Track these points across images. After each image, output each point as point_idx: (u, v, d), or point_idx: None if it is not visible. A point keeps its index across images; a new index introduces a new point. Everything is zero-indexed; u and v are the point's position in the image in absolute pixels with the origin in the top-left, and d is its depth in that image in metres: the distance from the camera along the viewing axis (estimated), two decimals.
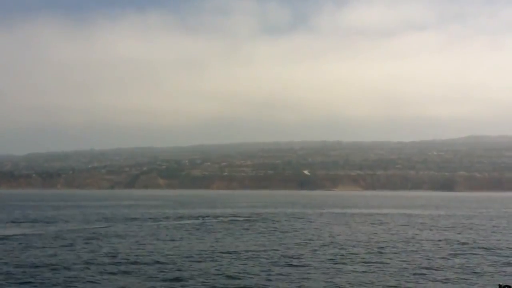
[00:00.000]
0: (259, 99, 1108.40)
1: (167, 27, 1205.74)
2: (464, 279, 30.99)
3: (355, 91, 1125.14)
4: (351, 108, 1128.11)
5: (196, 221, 74.42)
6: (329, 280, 30.07)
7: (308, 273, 32.07)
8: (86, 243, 47.31)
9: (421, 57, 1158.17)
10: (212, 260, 37.39)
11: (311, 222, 74.95)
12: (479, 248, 44.98)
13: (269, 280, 30.36)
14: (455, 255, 40.45)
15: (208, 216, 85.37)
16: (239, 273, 32.43)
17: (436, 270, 33.53)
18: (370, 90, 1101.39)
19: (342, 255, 40.04)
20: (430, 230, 62.42)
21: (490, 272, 33.27)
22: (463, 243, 48.06)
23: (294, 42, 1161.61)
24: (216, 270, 33.43)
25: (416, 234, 56.60)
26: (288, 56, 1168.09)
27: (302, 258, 38.02)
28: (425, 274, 32.29)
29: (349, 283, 29.10)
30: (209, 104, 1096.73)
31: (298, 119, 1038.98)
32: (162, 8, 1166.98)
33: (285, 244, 46.84)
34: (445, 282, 29.88)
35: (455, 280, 30.62)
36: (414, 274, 32.15)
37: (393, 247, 44.94)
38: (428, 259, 38.10)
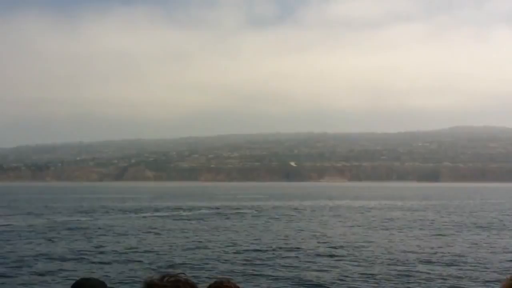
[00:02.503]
0: (245, 91, 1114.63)
1: (153, 20, 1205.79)
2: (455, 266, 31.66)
3: (341, 83, 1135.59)
4: (337, 99, 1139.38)
5: (189, 213, 76.32)
6: (323, 272, 30.92)
7: (304, 264, 32.63)
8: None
9: (407, 48, 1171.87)
10: (203, 250, 37.53)
11: (304, 213, 76.67)
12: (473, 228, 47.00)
13: (259, 269, 30.32)
14: (452, 247, 41.21)
15: (203, 208, 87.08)
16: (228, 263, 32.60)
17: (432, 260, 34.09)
18: (356, 82, 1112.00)
19: (336, 247, 40.73)
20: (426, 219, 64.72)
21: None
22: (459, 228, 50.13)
23: (281, 34, 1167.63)
24: (207, 259, 33.61)
25: (410, 226, 58.45)
26: (274, 48, 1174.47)
27: (299, 251, 38.00)
28: (422, 264, 32.73)
29: (345, 275, 29.41)
30: (196, 96, 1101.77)
31: (284, 111, 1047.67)
32: (149, 1, 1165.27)
33: (276, 236, 48.14)
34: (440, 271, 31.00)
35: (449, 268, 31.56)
36: (409, 266, 32.27)
37: (387, 238, 46.43)
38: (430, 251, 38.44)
